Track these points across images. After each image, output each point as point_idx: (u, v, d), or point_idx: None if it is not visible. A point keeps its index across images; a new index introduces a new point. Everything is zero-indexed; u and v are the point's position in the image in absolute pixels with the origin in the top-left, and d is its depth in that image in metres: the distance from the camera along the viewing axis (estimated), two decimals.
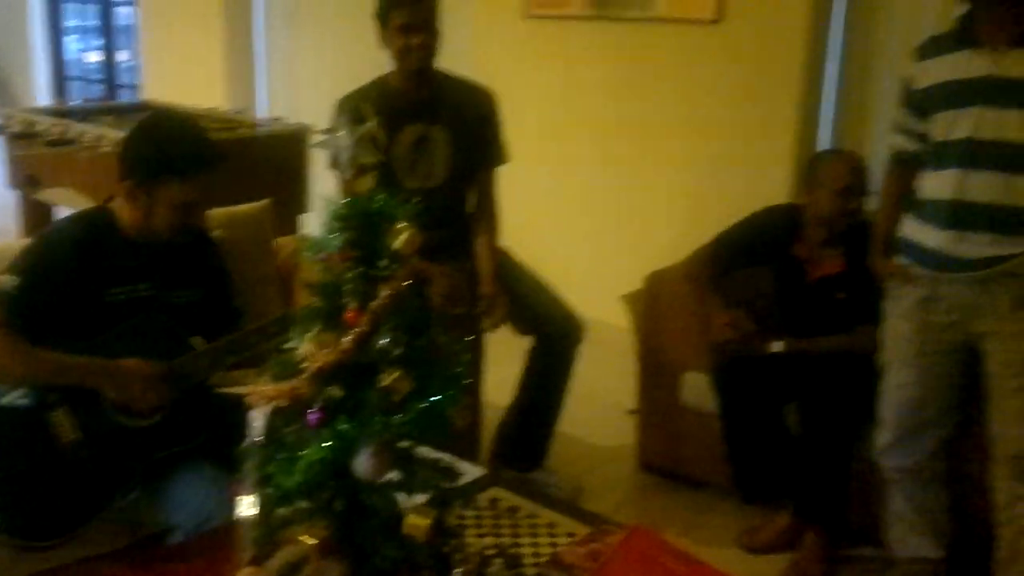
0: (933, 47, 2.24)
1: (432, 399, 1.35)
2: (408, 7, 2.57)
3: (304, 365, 1.35)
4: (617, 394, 3.38)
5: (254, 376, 2.33)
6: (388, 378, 1.33)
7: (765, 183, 3.48)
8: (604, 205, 4.15)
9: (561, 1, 4.05)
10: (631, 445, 3.16)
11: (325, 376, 1.34)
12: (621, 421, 3.32)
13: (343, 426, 1.32)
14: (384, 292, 1.33)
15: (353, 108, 1.30)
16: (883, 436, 2.44)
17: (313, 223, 4.26)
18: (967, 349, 2.29)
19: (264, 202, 2.82)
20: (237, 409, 1.48)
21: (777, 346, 2.69)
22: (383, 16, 2.62)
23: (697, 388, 2.87)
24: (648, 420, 3.09)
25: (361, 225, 1.34)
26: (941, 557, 2.46)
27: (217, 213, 2.61)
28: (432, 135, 2.70)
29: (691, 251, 2.91)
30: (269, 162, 3.95)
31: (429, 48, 2.62)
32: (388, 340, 1.33)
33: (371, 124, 1.32)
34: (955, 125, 2.15)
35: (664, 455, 3.07)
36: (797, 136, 3.44)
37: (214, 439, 2.01)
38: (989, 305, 2.20)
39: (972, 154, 2.13)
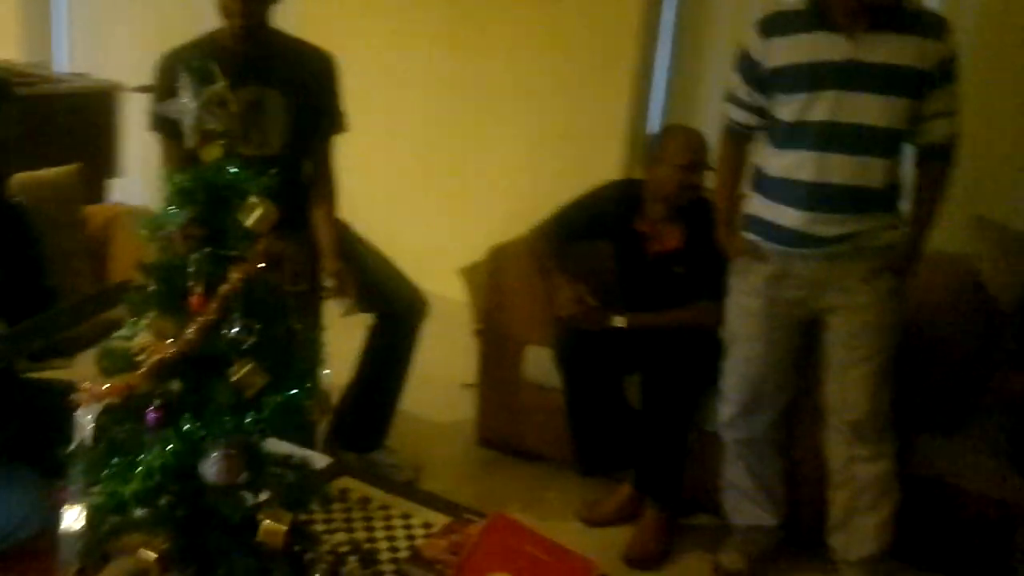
0: (781, 24, 2.24)
1: (288, 393, 1.23)
2: None
3: (140, 358, 1.20)
4: (453, 369, 3.32)
5: (63, 363, 2.11)
6: (239, 371, 1.20)
7: (599, 157, 3.49)
8: (439, 174, 4.05)
9: None
10: (469, 421, 3.12)
11: (165, 370, 1.19)
12: (458, 396, 3.27)
13: (188, 426, 1.18)
14: (234, 275, 1.19)
15: (199, 67, 1.15)
16: (727, 409, 2.49)
17: (124, 190, 3.94)
18: (809, 322, 2.36)
19: (71, 167, 2.57)
20: (57, 405, 1.30)
21: (619, 321, 2.69)
22: None
23: (538, 362, 2.85)
24: (488, 396, 3.04)
25: (208, 199, 1.19)
26: (777, 524, 2.56)
27: (17, 178, 2.35)
28: (267, 99, 2.51)
29: (528, 224, 2.87)
30: (73, 122, 3.62)
31: (261, 2, 2.43)
32: (239, 329, 1.20)
33: (220, 85, 1.17)
34: (812, 107, 2.18)
35: (503, 430, 3.04)
36: (630, 110, 3.46)
37: (27, 437, 1.78)
38: (838, 280, 2.27)
39: (830, 136, 2.17)
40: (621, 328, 2.68)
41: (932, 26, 2.14)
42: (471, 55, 3.81)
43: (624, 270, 2.81)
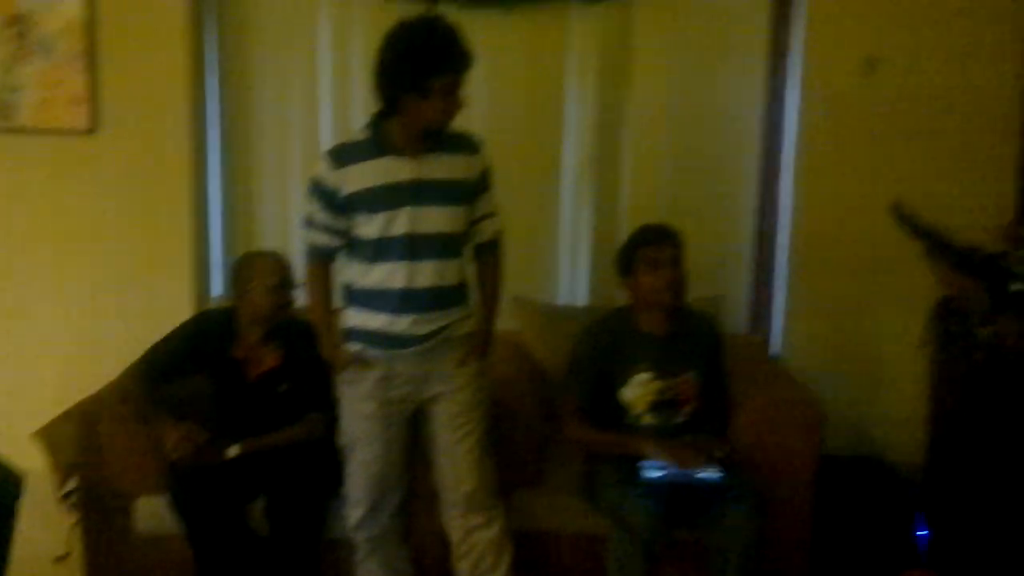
0: (350, 154, 2.47)
1: None
2: None
3: None
4: (37, 545, 3.00)
5: None
6: None
7: (164, 293, 3.45)
8: None
9: None
10: None
11: None
12: (53, 572, 2.97)
13: None
14: None
15: None
16: (355, 511, 2.62)
17: None
18: (416, 414, 2.61)
19: None
20: None
21: (233, 450, 2.71)
22: None
23: (151, 513, 2.74)
24: (95, 562, 2.82)
25: None
26: None
27: None
28: None
29: (99, 373, 2.77)
30: None
31: None
32: None
33: None
34: (392, 223, 2.43)
35: None
36: (191, 243, 3.47)
37: None
38: (436, 371, 2.55)
39: (413, 247, 2.45)
40: (237, 457, 2.69)
41: (472, 144, 2.55)
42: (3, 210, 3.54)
43: (227, 399, 2.83)
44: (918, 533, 3.03)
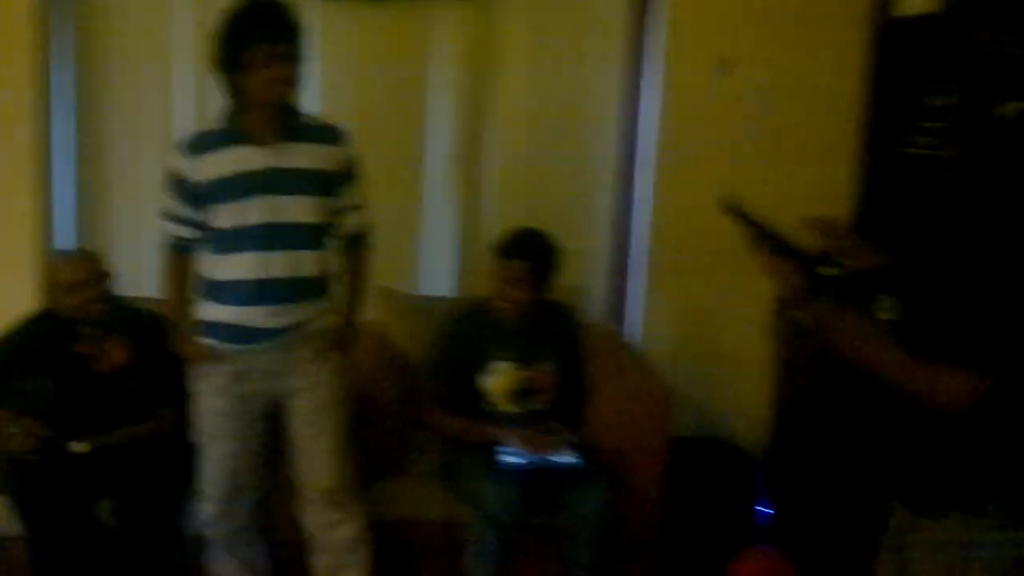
0: (205, 143, 2.43)
1: None
2: None
3: None
4: None
5: None
6: None
7: (5, 293, 3.30)
8: None
9: None
10: None
11: None
12: None
13: None
14: None
15: None
16: (209, 507, 2.58)
17: None
18: (273, 409, 2.58)
19: None
20: None
21: (79, 447, 2.64)
22: None
23: None
24: None
25: None
26: None
27: None
28: None
29: None
30: None
31: None
32: None
33: None
34: (247, 213, 2.40)
35: None
36: (35, 234, 3.32)
37: None
38: (293, 366, 2.53)
39: (267, 236, 2.41)
40: (85, 453, 2.62)
41: (335, 134, 2.53)
42: None
43: (73, 395, 2.73)
44: (761, 510, 3.21)
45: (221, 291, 2.48)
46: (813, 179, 3.48)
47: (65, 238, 3.41)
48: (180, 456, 2.64)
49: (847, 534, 2.78)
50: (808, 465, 3.24)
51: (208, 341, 2.51)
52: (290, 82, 2.38)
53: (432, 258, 3.64)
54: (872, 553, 1.61)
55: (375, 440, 2.88)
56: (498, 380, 2.92)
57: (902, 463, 1.49)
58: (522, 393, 2.93)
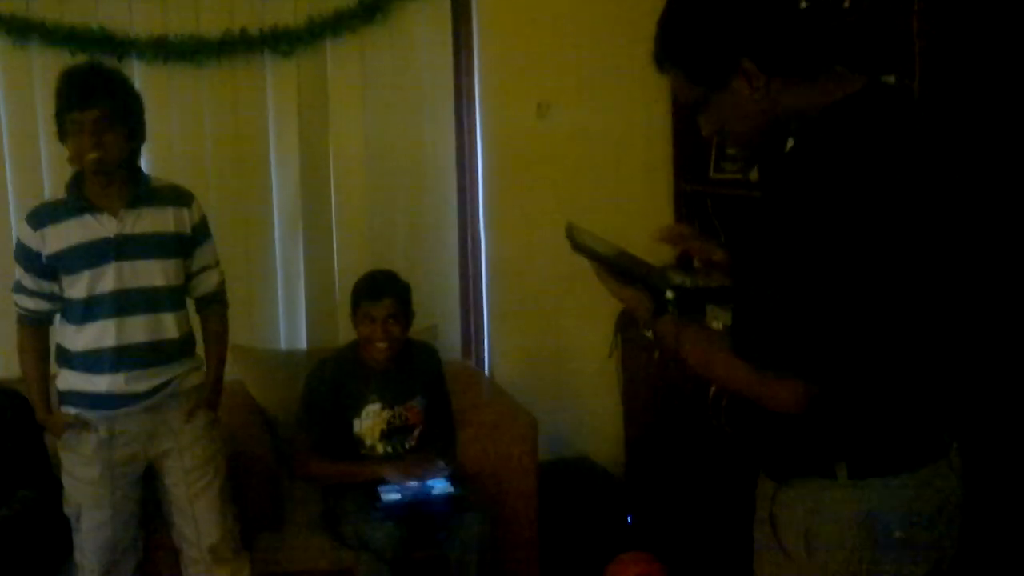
0: (50, 214, 2.42)
1: None
2: None
3: None
4: None
5: None
6: None
7: None
8: None
9: None
10: None
11: None
12: None
13: None
14: None
15: None
16: None
17: None
18: (145, 472, 2.55)
19: None
20: None
21: None
22: None
23: None
24: None
25: None
26: None
27: None
28: None
29: None
30: None
31: None
32: None
33: None
34: (99, 281, 2.39)
35: None
36: None
37: None
38: (164, 426, 2.52)
39: (123, 303, 2.42)
40: None
41: (181, 196, 2.57)
42: None
43: None
44: (629, 519, 3.40)
45: (82, 360, 2.45)
46: (633, 206, 3.75)
47: None
48: (50, 533, 2.55)
49: (711, 528, 3.00)
50: (661, 474, 3.46)
51: (72, 410, 2.46)
52: (104, 147, 2.35)
53: (285, 313, 3.66)
54: (743, 531, 1.73)
55: (251, 495, 2.88)
56: (368, 421, 3.00)
57: (759, 438, 1.59)
58: (394, 431, 3.02)
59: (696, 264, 1.77)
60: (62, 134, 2.38)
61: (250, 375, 3.39)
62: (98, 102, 2.33)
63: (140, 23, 3.31)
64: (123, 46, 3.26)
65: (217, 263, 2.69)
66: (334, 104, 3.55)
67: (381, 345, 2.95)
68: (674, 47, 1.50)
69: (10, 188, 3.31)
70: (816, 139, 1.41)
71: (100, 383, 2.44)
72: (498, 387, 3.58)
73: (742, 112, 1.47)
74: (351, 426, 2.98)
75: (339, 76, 3.54)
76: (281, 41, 3.39)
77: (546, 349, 3.84)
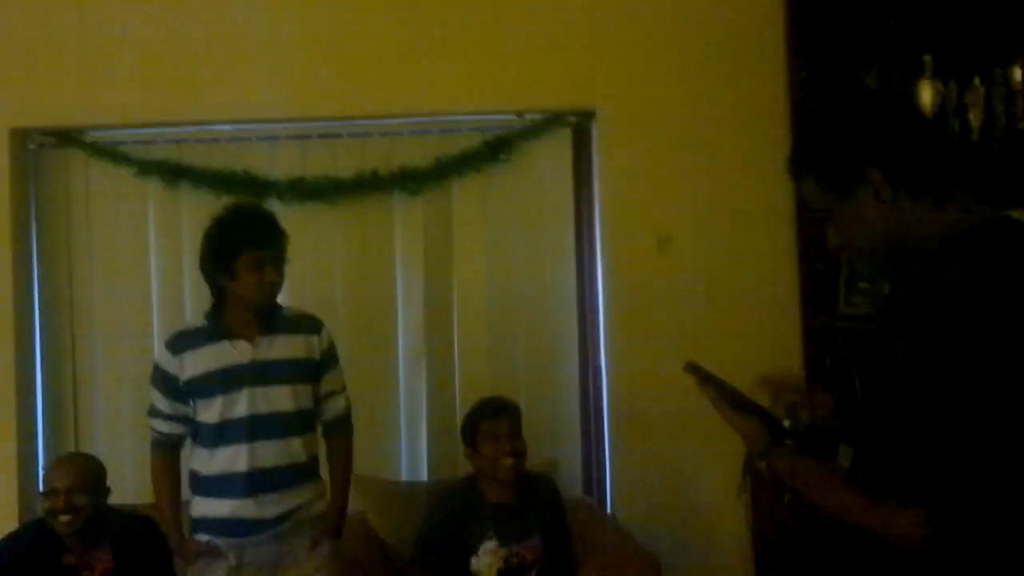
0: (189, 340, 2.55)
1: None
2: None
3: None
4: None
5: None
6: None
7: None
8: None
9: None
10: None
11: None
12: None
13: None
14: None
15: None
16: None
17: None
18: None
19: None
20: None
21: None
22: None
23: None
24: None
25: None
26: None
27: None
28: None
29: None
30: None
31: None
32: None
33: None
34: (232, 406, 2.48)
35: None
36: (16, 439, 3.33)
37: None
38: (289, 554, 2.54)
39: (254, 428, 2.48)
40: None
41: (313, 324, 2.66)
42: None
43: None
44: None
45: (212, 486, 2.51)
46: (759, 342, 3.66)
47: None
48: None
49: None
50: None
51: (203, 537, 2.50)
52: (277, 285, 2.53)
53: (408, 444, 3.68)
54: None
55: None
56: (485, 559, 2.93)
57: None
58: (511, 572, 2.93)
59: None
60: (225, 270, 2.48)
61: (372, 506, 3.39)
62: (275, 242, 2.50)
63: (281, 165, 3.52)
64: (265, 187, 3.46)
65: (344, 388, 2.74)
66: (458, 239, 3.65)
67: (508, 462, 2.90)
68: (807, 153, 1.54)
69: (156, 320, 3.50)
70: (945, 268, 1.39)
71: (232, 509, 2.49)
72: (620, 525, 3.46)
73: (868, 225, 1.47)
74: (468, 564, 2.92)
75: (463, 213, 3.65)
76: (409, 180, 3.54)
77: (670, 487, 3.71)
